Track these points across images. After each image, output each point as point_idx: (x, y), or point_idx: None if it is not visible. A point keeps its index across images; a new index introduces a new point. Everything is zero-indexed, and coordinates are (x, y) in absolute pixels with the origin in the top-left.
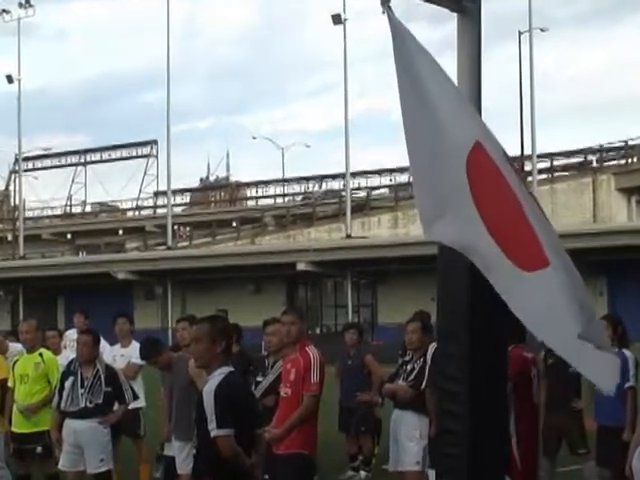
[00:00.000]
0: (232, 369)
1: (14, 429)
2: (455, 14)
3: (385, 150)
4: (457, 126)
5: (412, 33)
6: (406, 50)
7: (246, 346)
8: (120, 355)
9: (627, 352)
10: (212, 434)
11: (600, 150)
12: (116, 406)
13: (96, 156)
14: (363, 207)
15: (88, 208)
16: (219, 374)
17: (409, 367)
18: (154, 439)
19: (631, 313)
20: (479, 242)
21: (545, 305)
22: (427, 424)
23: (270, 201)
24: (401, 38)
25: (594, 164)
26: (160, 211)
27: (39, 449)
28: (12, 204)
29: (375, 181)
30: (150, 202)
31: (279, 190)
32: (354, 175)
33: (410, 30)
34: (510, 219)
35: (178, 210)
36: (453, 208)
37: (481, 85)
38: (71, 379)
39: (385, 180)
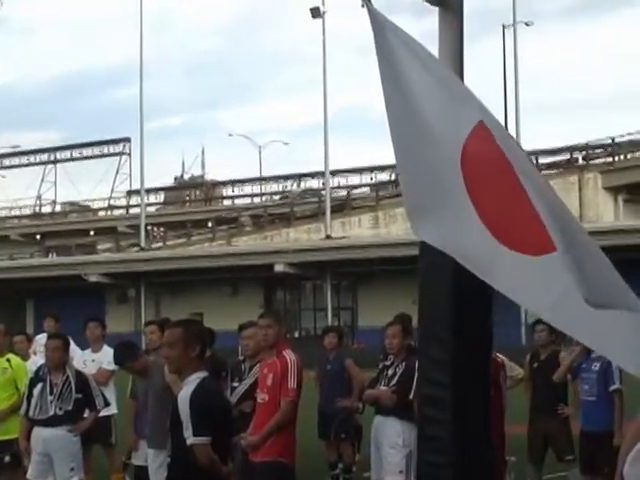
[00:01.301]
0: (207, 374)
1: None
2: (436, 7)
3: (366, 148)
4: (451, 115)
5: (395, 23)
6: (388, 43)
7: (222, 350)
8: (91, 360)
9: None
10: (188, 442)
11: (586, 147)
12: (87, 413)
13: (66, 154)
14: (343, 207)
15: (58, 208)
16: (194, 380)
17: (390, 372)
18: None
19: None
20: (471, 236)
21: (557, 289)
22: (410, 431)
23: (247, 200)
24: (382, 31)
25: (580, 162)
26: (133, 211)
27: (7, 458)
28: None
29: (355, 180)
30: (123, 202)
31: (256, 189)
32: (334, 174)
33: (393, 22)
34: (511, 206)
35: (151, 210)
36: (443, 203)
37: (464, 81)
38: (40, 385)
39: (366, 179)
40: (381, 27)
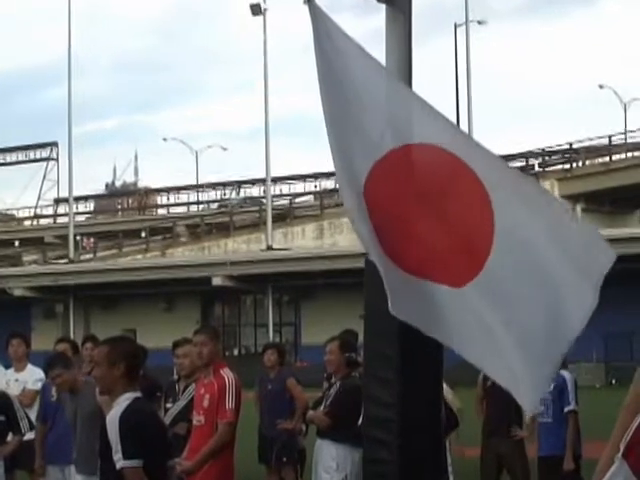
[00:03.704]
0: (139, 395)
1: None
2: (383, 5)
3: (310, 153)
4: (367, 137)
5: (338, 25)
6: (330, 42)
7: (157, 370)
8: (14, 380)
9: (565, 373)
10: (118, 465)
11: (543, 154)
12: (10, 437)
13: None
14: (285, 216)
15: None
16: (124, 400)
17: (332, 391)
18: None
19: None
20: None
21: (467, 323)
22: (346, 455)
23: (183, 209)
24: (324, 31)
25: (536, 169)
26: (61, 220)
27: None
28: None
29: (299, 187)
30: (50, 210)
31: (193, 197)
32: (275, 181)
33: (336, 22)
34: (431, 232)
35: (81, 219)
36: (359, 226)
37: (412, 83)
38: None
39: (310, 186)
40: (322, 28)
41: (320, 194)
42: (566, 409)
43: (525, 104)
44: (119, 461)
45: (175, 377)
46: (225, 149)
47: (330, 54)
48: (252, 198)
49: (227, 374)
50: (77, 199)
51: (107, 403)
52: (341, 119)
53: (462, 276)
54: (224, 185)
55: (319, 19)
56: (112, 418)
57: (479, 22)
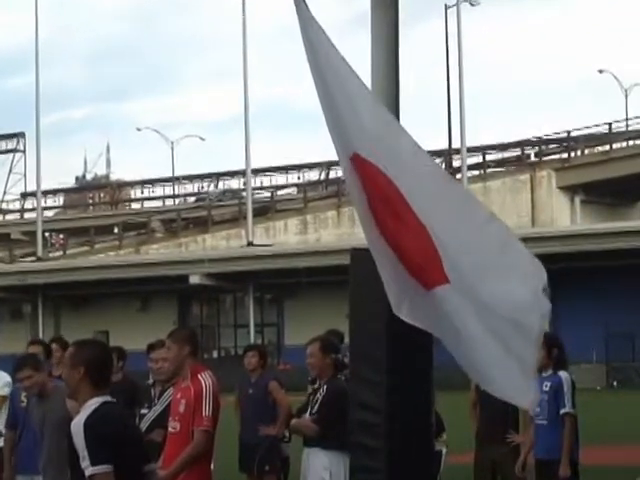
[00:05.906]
0: (108, 399)
1: None
2: None
3: (292, 144)
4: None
5: (317, 21)
6: (315, 34)
7: (131, 373)
8: None
9: (563, 374)
10: (87, 473)
11: (539, 142)
12: None
13: None
14: (267, 210)
15: None
16: (91, 405)
17: (318, 396)
18: None
19: (576, 330)
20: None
21: (445, 323)
22: (339, 463)
23: (158, 203)
24: (308, 22)
25: (532, 158)
26: (28, 215)
27: None
28: None
29: (281, 179)
30: (16, 205)
31: (168, 191)
32: (256, 172)
33: (314, 15)
34: (404, 231)
35: (49, 214)
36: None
37: (399, 69)
38: None
39: (292, 178)
40: (306, 19)
41: (303, 186)
42: (562, 411)
43: (521, 90)
44: (87, 468)
45: (150, 381)
46: (203, 139)
47: (316, 42)
48: (231, 191)
49: (205, 378)
50: (45, 193)
51: (75, 408)
52: (331, 107)
53: (429, 280)
54: (202, 177)
55: (303, 10)
56: (77, 424)
57: (471, 3)
